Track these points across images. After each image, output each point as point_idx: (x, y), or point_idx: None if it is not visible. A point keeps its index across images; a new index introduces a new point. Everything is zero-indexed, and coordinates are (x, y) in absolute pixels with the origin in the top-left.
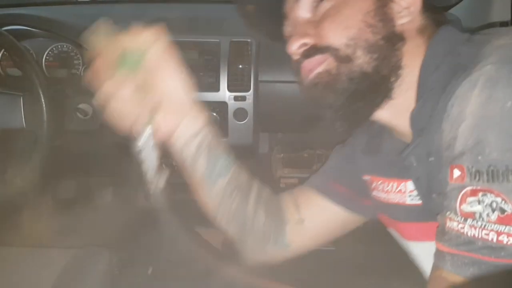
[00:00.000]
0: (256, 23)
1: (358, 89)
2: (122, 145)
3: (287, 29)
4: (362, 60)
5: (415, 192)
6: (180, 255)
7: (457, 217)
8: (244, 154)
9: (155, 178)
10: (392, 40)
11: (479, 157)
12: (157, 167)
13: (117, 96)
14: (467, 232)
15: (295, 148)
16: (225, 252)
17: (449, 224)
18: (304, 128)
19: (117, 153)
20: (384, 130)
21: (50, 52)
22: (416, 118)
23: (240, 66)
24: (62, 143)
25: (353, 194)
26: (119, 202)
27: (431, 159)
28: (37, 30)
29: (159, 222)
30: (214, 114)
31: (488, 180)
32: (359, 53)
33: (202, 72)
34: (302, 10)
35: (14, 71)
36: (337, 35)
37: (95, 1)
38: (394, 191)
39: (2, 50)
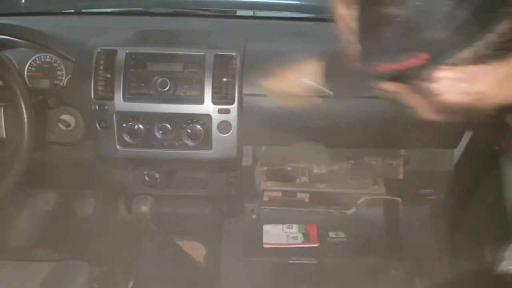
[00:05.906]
0: None
1: None
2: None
3: None
4: None
5: None
6: (161, 269)
7: None
8: (228, 167)
9: None
10: None
11: None
12: None
13: None
14: None
15: (279, 161)
16: (207, 264)
17: None
18: (288, 142)
19: (99, 165)
20: None
21: (32, 63)
22: None
23: (225, 79)
24: (43, 154)
25: None
26: (100, 215)
27: None
28: (20, 40)
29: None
30: (198, 126)
31: None
32: None
33: (186, 84)
34: None
35: None
36: None
37: (79, 13)
38: None
39: None
